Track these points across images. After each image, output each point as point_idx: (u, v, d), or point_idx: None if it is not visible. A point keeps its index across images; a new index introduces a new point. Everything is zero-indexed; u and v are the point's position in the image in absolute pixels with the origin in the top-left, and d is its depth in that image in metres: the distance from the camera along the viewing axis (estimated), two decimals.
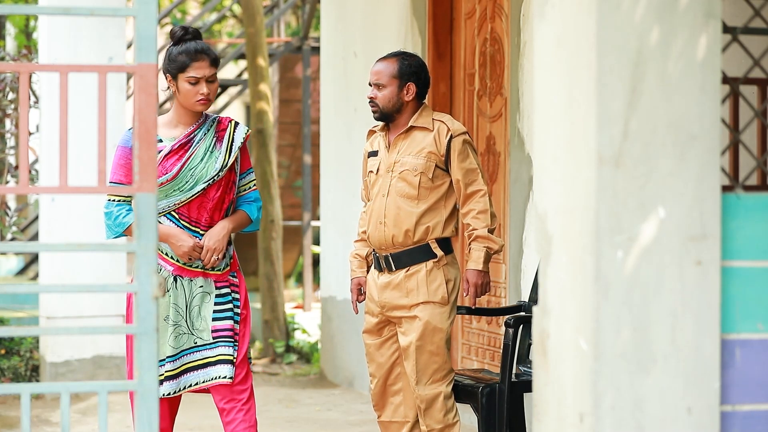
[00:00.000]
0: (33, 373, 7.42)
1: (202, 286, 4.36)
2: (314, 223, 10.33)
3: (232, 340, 4.44)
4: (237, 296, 4.51)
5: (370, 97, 4.62)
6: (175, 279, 4.31)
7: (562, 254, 3.02)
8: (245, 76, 11.27)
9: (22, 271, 10.45)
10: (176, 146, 4.27)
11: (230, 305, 4.44)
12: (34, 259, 10.18)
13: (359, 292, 4.75)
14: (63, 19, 7.04)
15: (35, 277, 9.73)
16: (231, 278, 4.48)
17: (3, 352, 7.45)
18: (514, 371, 4.65)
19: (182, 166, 4.26)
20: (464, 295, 4.61)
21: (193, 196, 4.27)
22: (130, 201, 4.27)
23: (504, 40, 5.94)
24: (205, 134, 4.33)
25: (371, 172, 4.67)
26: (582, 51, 2.94)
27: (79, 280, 6.98)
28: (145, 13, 2.65)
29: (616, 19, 2.89)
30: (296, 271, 12.74)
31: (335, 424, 6.42)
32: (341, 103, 7.60)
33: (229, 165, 4.31)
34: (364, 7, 7.35)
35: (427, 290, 4.51)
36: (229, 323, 4.43)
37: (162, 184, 4.24)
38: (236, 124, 4.39)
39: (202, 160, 4.29)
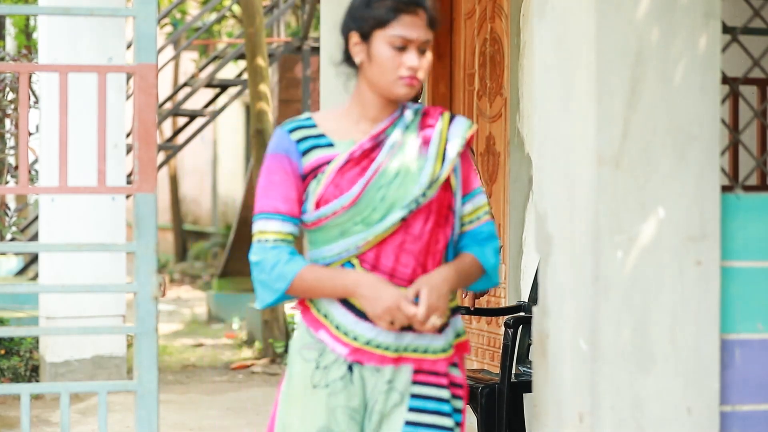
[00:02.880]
0: (33, 373, 7.42)
1: (390, 381, 2.68)
2: None
3: None
4: (458, 405, 2.76)
5: None
6: (350, 368, 2.68)
7: (562, 254, 3.01)
8: (245, 76, 11.27)
9: (21, 272, 10.45)
10: (358, 153, 2.68)
11: (436, 417, 2.70)
12: (33, 259, 10.18)
13: None
14: (63, 20, 7.04)
15: (35, 277, 9.73)
16: (450, 371, 2.74)
17: (3, 352, 7.45)
18: (513, 371, 4.65)
19: (366, 184, 2.66)
20: (462, 296, 4.60)
21: (386, 231, 2.65)
22: (291, 240, 2.68)
23: (504, 40, 5.94)
24: (404, 133, 2.71)
25: None
26: (582, 51, 2.94)
27: (78, 281, 6.98)
28: (144, 14, 2.65)
29: (616, 19, 2.89)
30: None
31: None
32: (341, 103, 7.59)
33: (441, 179, 2.69)
34: None
35: None
36: None
37: (336, 212, 2.64)
38: (452, 116, 2.77)
39: (398, 174, 2.67)
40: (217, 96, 12.10)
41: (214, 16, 13.42)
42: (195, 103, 14.54)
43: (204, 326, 11.35)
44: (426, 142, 2.71)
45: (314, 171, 2.68)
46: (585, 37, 2.93)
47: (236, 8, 13.32)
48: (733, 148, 3.26)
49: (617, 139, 2.90)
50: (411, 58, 2.64)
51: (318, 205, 2.67)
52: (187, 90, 13.27)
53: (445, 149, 2.71)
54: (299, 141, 2.70)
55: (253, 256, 2.65)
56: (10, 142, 8.05)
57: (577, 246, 2.96)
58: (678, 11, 2.92)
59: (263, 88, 8.79)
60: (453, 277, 2.66)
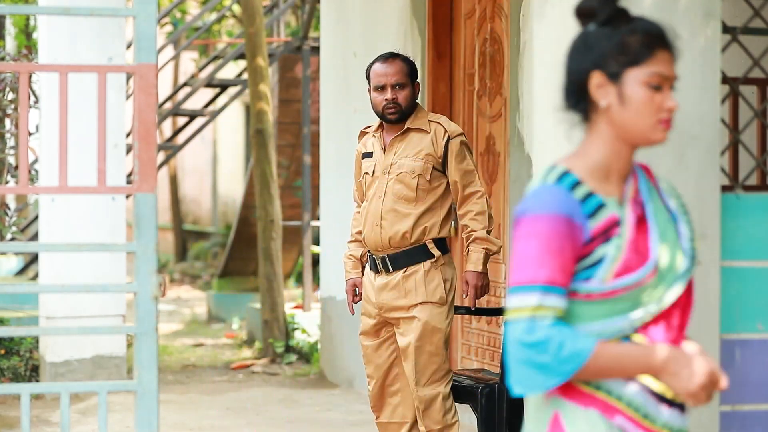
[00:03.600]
0: (33, 373, 7.41)
1: None
2: (314, 223, 10.34)
3: None
4: None
5: (391, 99, 4.54)
6: None
7: None
8: (245, 76, 11.28)
9: (21, 271, 10.45)
10: (639, 212, 2.34)
11: None
12: (33, 259, 10.18)
13: (355, 293, 4.69)
14: (63, 19, 7.03)
15: (35, 277, 9.73)
16: None
17: (3, 352, 7.45)
18: None
19: (659, 250, 2.38)
20: (463, 296, 4.62)
21: (670, 303, 2.33)
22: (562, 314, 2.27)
23: (504, 40, 5.94)
24: (649, 191, 2.39)
25: (366, 173, 4.62)
26: None
27: (78, 280, 6.98)
28: (144, 13, 2.65)
29: None
30: (296, 271, 12.74)
31: (335, 424, 6.42)
32: (341, 103, 7.60)
33: (696, 245, 2.43)
34: (363, 7, 7.35)
35: (425, 290, 4.50)
36: None
37: (641, 282, 2.28)
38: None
39: (668, 237, 2.37)
40: (217, 96, 12.10)
41: (213, 15, 13.42)
42: (195, 102, 14.55)
43: (204, 326, 11.35)
44: (663, 200, 2.39)
45: (604, 234, 2.28)
46: None
47: (236, 8, 13.33)
48: (733, 147, 3.26)
49: None
50: (669, 98, 2.29)
51: (619, 274, 2.27)
52: (187, 90, 13.26)
53: (683, 209, 2.40)
54: (584, 200, 2.28)
55: (530, 336, 2.21)
56: (10, 142, 8.05)
57: None
58: (678, 11, 2.92)
59: (263, 87, 8.79)
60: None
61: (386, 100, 4.53)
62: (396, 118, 4.53)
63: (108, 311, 7.17)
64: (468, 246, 4.55)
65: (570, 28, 3.03)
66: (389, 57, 4.62)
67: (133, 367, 2.73)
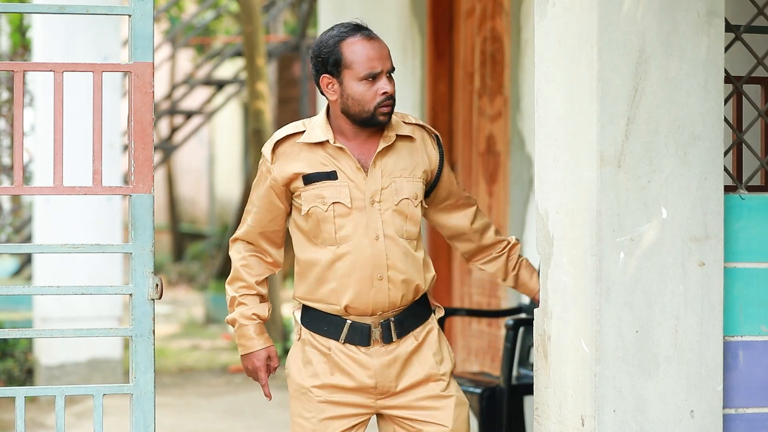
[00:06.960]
0: (27, 375, 7.38)
1: None
2: None
3: None
4: None
5: (390, 92, 3.12)
6: None
7: (564, 255, 2.99)
8: (242, 74, 11.25)
9: (16, 273, 10.42)
10: None
11: None
12: (28, 260, 10.14)
13: (269, 368, 3.43)
14: (58, 18, 7.01)
15: (30, 278, 9.70)
16: None
17: None
18: (514, 374, 4.62)
19: None
20: None
21: None
22: None
23: (504, 38, 5.91)
24: None
25: (337, 203, 3.14)
26: (583, 49, 2.92)
27: (74, 282, 6.95)
28: (140, 12, 2.62)
29: (618, 17, 2.87)
30: (293, 272, 12.72)
31: None
32: None
33: None
34: (362, 6, 7.32)
35: (450, 355, 3.26)
36: None
37: None
38: None
39: None
40: (214, 95, 12.07)
41: (211, 13, 13.40)
42: (192, 101, 14.53)
43: (201, 328, 11.33)
44: None
45: None
46: (587, 35, 2.91)
47: (234, 6, 13.30)
48: (737, 147, 3.24)
49: (619, 138, 2.88)
50: None
51: None
52: (183, 89, 13.23)
53: None
54: None
55: None
56: (5, 142, 8.02)
57: (578, 247, 2.93)
58: (681, 9, 2.90)
59: (261, 86, 8.76)
60: None
61: (384, 93, 3.11)
62: (388, 119, 3.14)
63: (104, 313, 7.14)
64: (522, 263, 3.33)
65: (571, 26, 3.01)
66: (371, 32, 3.31)
67: (129, 369, 2.70)
